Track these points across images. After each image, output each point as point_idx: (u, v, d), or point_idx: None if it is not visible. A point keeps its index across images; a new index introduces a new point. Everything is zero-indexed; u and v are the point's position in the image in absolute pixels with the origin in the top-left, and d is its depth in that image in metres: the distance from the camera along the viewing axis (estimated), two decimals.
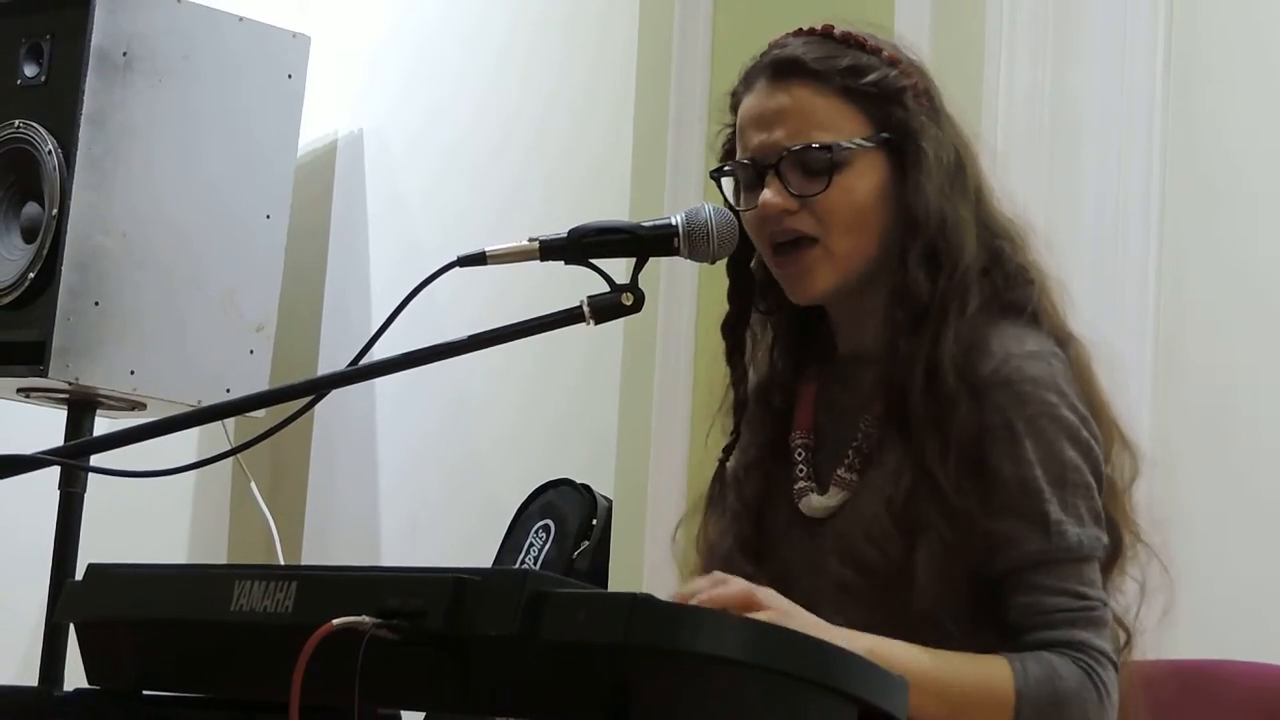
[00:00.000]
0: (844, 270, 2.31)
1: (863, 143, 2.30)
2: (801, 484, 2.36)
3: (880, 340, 2.32)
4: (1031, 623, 2.21)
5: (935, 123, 2.32)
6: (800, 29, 2.36)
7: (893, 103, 2.31)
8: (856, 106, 2.31)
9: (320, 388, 2.25)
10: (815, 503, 2.33)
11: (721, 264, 2.27)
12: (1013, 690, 2.16)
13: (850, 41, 2.34)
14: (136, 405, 4.19)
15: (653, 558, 3.55)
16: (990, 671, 2.17)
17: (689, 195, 3.53)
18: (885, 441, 2.28)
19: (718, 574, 2.12)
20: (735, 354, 2.44)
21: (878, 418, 2.30)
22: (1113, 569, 2.30)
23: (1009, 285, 2.32)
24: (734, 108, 2.37)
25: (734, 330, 2.44)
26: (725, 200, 2.35)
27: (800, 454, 2.37)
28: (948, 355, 2.24)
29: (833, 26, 2.35)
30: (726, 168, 2.36)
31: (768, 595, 2.07)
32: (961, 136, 2.37)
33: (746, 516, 2.39)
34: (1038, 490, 2.22)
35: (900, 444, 2.26)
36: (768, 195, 2.30)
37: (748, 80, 2.35)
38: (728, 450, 2.43)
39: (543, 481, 4.06)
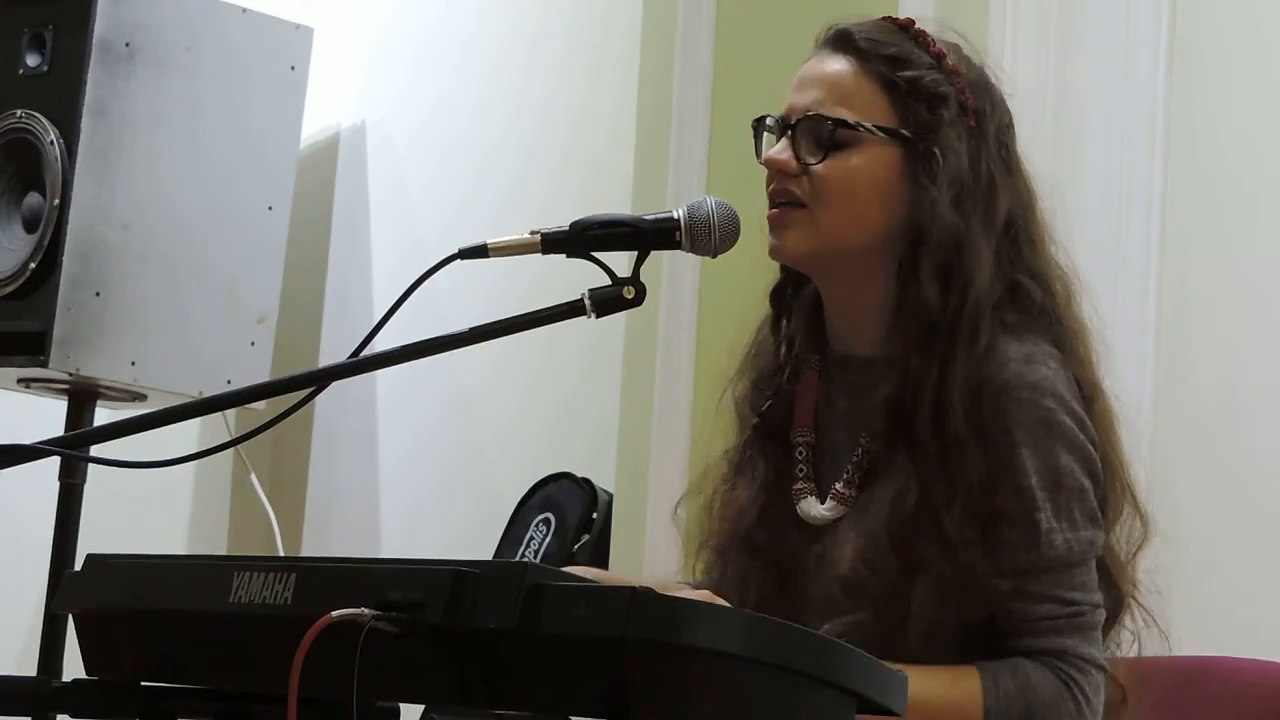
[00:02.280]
0: (822, 243, 2.30)
1: (873, 130, 2.29)
2: (800, 485, 2.35)
3: (881, 348, 2.31)
4: (1017, 629, 2.22)
5: (970, 140, 2.30)
6: (887, 16, 2.37)
7: (925, 104, 2.29)
8: (887, 96, 2.30)
9: (321, 379, 2.25)
10: (813, 511, 2.33)
11: (724, 257, 2.27)
12: (981, 707, 2.17)
13: (918, 38, 2.33)
14: (137, 396, 4.19)
15: (653, 551, 3.55)
16: (960, 688, 2.18)
17: (692, 188, 3.52)
18: (889, 461, 2.27)
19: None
20: (779, 321, 2.44)
21: (880, 433, 2.28)
22: (1111, 629, 2.30)
23: (1029, 317, 2.30)
24: None
25: (780, 298, 2.44)
26: (757, 151, 2.35)
27: (801, 453, 2.37)
28: (957, 395, 2.22)
29: (913, 21, 2.35)
30: (767, 119, 2.36)
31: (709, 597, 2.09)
32: (1013, 173, 2.34)
33: (771, 490, 2.38)
34: (1031, 498, 2.21)
35: (904, 467, 2.25)
36: (774, 152, 2.32)
37: (815, 48, 2.36)
38: (763, 416, 2.42)
39: (543, 475, 4.05)
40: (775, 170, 2.31)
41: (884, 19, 2.37)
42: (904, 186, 2.29)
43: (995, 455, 2.22)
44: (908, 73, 2.30)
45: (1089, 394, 2.29)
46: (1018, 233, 2.33)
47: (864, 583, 2.23)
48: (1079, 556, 2.23)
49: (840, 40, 2.33)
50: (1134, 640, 2.32)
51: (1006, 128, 2.36)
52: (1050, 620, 2.21)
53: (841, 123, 2.29)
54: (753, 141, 2.37)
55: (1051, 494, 2.22)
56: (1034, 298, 2.31)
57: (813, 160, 2.29)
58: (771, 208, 2.32)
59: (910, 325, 2.27)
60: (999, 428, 2.22)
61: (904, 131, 2.29)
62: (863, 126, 2.29)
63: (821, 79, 2.32)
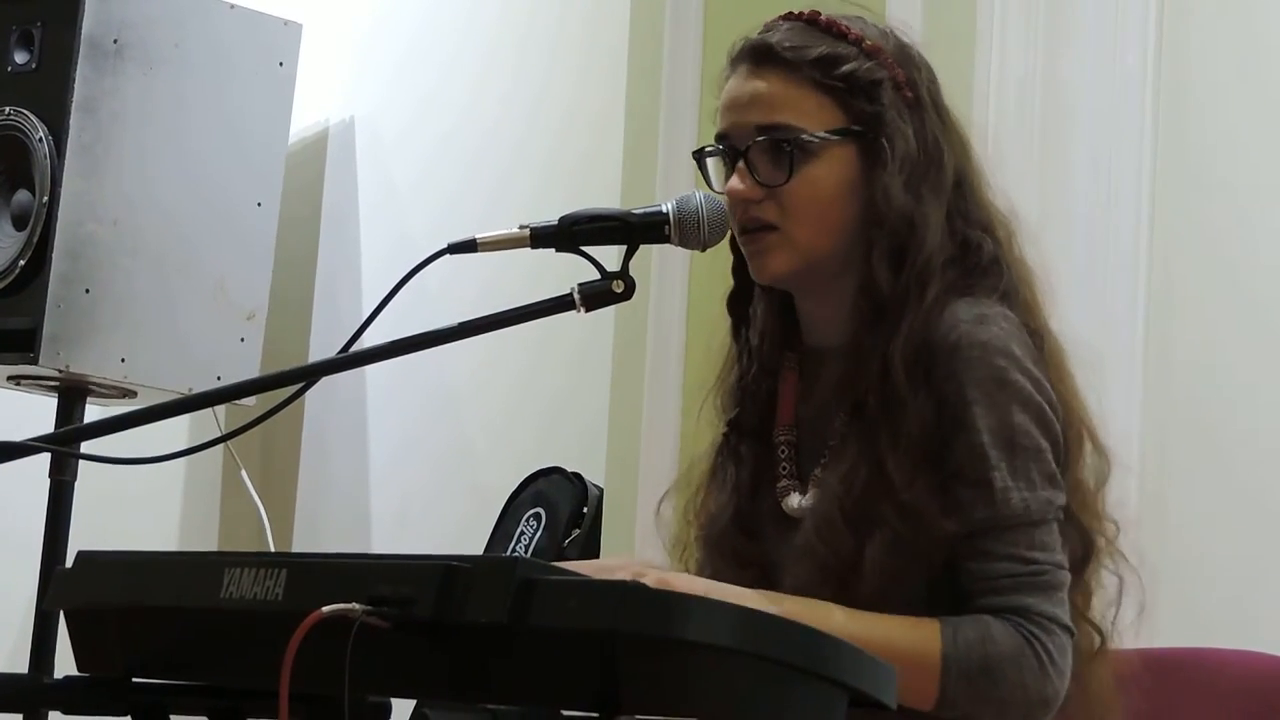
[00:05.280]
0: (803, 257, 2.30)
1: (828, 136, 2.29)
2: (784, 482, 2.36)
3: (845, 334, 2.32)
4: (977, 588, 2.21)
5: (912, 116, 2.31)
6: (790, 13, 2.35)
7: (864, 96, 2.29)
8: (828, 98, 2.30)
9: (311, 375, 2.25)
10: (795, 504, 2.33)
11: (713, 251, 2.27)
12: (939, 654, 2.16)
13: (832, 30, 2.32)
14: (127, 393, 4.19)
15: (643, 546, 3.55)
16: (919, 635, 2.17)
17: (680, 182, 3.52)
18: (849, 439, 2.28)
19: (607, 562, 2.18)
20: (739, 328, 2.44)
21: (847, 415, 2.30)
22: (1085, 571, 2.29)
23: (978, 273, 2.31)
24: (720, 89, 2.37)
25: (738, 305, 2.44)
26: (706, 180, 2.35)
27: (784, 451, 2.37)
28: (900, 350, 2.24)
29: (819, 13, 2.34)
30: (708, 149, 2.36)
31: (654, 570, 2.11)
32: (948, 127, 2.36)
33: (744, 493, 2.39)
34: (984, 457, 2.21)
35: (859, 441, 2.26)
36: (734, 183, 2.30)
37: (731, 63, 2.35)
38: (732, 423, 2.42)
39: (534, 470, 4.06)
40: (739, 200, 2.30)
41: (790, 18, 2.34)
42: (862, 179, 2.30)
43: (948, 413, 2.22)
44: (840, 70, 2.29)
45: (1038, 337, 2.30)
46: (965, 187, 2.34)
47: (823, 559, 2.23)
48: (1038, 516, 2.22)
49: (762, 55, 2.31)
50: (1117, 581, 2.31)
51: (934, 82, 2.37)
52: (1011, 578, 2.20)
53: (797, 140, 2.28)
54: (699, 172, 2.36)
55: (1006, 453, 2.21)
56: (984, 250, 2.32)
57: (777, 182, 2.28)
58: (744, 234, 2.32)
59: (865, 306, 2.28)
60: (951, 388, 2.22)
61: (855, 128, 2.29)
62: (818, 136, 2.28)
63: (758, 98, 2.30)
